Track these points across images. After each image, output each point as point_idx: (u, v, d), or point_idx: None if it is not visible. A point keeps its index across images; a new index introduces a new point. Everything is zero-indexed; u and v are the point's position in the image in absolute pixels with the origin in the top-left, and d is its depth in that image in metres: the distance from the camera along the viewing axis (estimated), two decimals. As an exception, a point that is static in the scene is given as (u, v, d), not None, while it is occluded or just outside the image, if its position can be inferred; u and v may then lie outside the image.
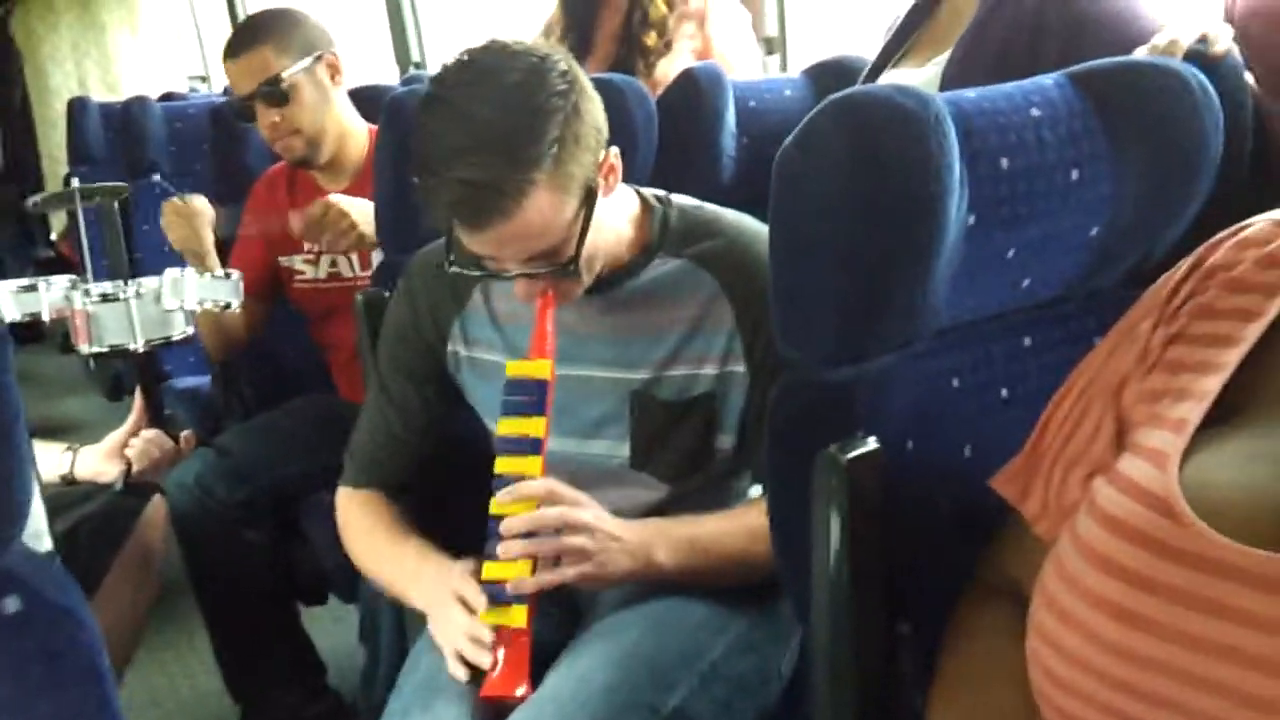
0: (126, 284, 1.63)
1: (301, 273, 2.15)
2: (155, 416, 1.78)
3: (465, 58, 1.15)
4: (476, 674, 1.18)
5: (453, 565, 1.26)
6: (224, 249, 2.12)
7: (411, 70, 3.64)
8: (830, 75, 1.92)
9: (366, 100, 2.12)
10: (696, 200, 1.36)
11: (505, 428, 1.23)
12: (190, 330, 1.68)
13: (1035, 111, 0.93)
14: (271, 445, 2.05)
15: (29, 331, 4.33)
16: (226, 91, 2.64)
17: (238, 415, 2.38)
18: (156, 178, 1.98)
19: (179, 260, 1.94)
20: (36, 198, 2.09)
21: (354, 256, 2.09)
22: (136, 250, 2.63)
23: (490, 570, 1.19)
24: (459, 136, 1.10)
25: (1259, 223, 0.75)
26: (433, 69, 3.40)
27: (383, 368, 1.45)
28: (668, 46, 2.24)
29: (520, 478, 1.20)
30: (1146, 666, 0.64)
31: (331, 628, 2.36)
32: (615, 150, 1.21)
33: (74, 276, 1.65)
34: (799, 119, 0.89)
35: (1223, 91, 1.01)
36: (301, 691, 2.11)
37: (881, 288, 0.88)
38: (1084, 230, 0.97)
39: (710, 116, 1.79)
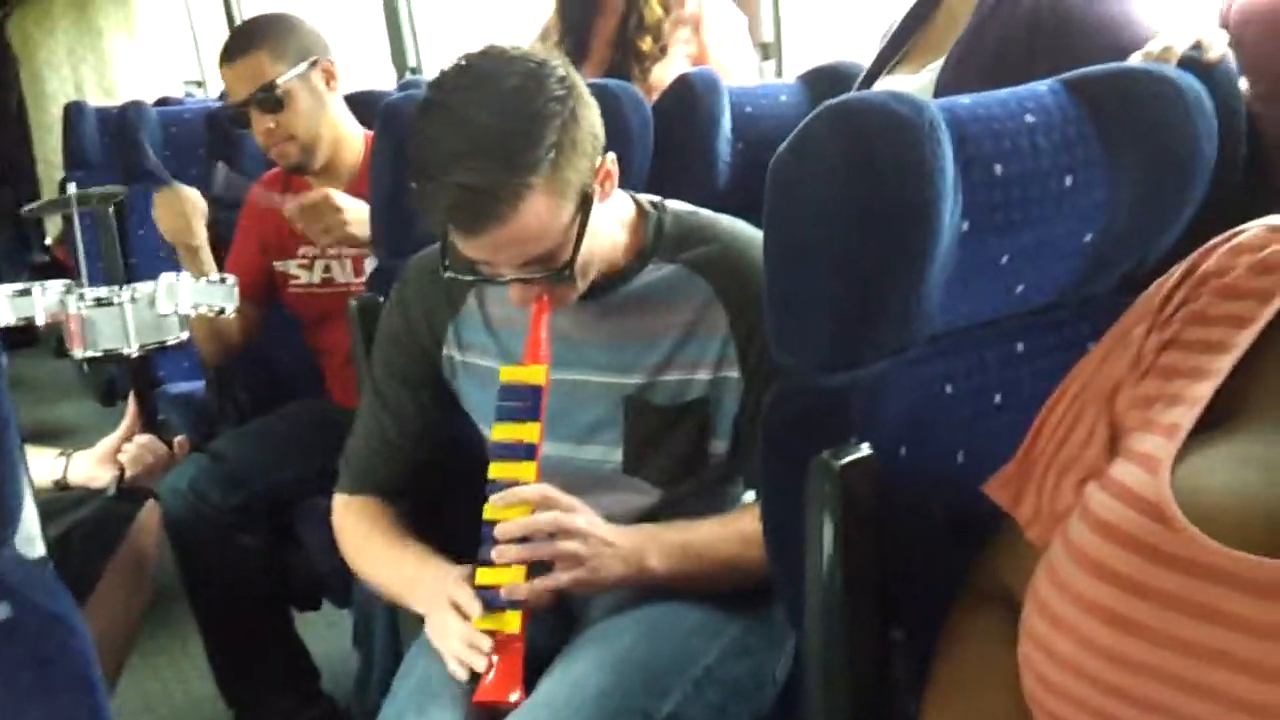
0: (121, 289, 1.62)
1: (296, 277, 2.15)
2: (149, 422, 1.78)
3: (463, 63, 1.15)
4: (474, 676, 1.18)
5: (449, 570, 1.26)
6: (219, 253, 2.12)
7: (408, 75, 3.64)
8: (826, 81, 1.93)
9: (362, 105, 2.12)
10: (691, 206, 1.36)
11: (499, 433, 1.23)
12: (184, 335, 1.68)
13: (1029, 118, 0.93)
14: (265, 450, 2.05)
15: (23, 336, 4.32)
16: (222, 96, 2.64)
17: (232, 420, 2.37)
18: (153, 159, 1.98)
19: (174, 265, 1.94)
20: (32, 205, 2.09)
21: (348, 262, 2.09)
22: (132, 255, 2.62)
23: (484, 575, 1.19)
24: (457, 141, 1.10)
25: (1252, 228, 0.76)
26: (429, 74, 3.41)
27: (377, 373, 1.45)
28: (663, 51, 2.24)
29: (514, 483, 1.20)
30: (1139, 671, 0.64)
31: (325, 633, 2.35)
32: (612, 156, 1.22)
33: (69, 281, 1.65)
34: (795, 124, 0.89)
35: (1217, 98, 1.01)
36: (295, 697, 2.11)
37: (876, 294, 0.88)
38: (1078, 236, 0.97)
39: (706, 122, 1.80)
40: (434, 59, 3.73)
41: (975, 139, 0.90)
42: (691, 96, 1.79)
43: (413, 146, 1.14)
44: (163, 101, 3.78)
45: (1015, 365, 1.00)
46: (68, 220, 3.06)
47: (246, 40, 1.98)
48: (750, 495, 1.40)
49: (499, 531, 1.17)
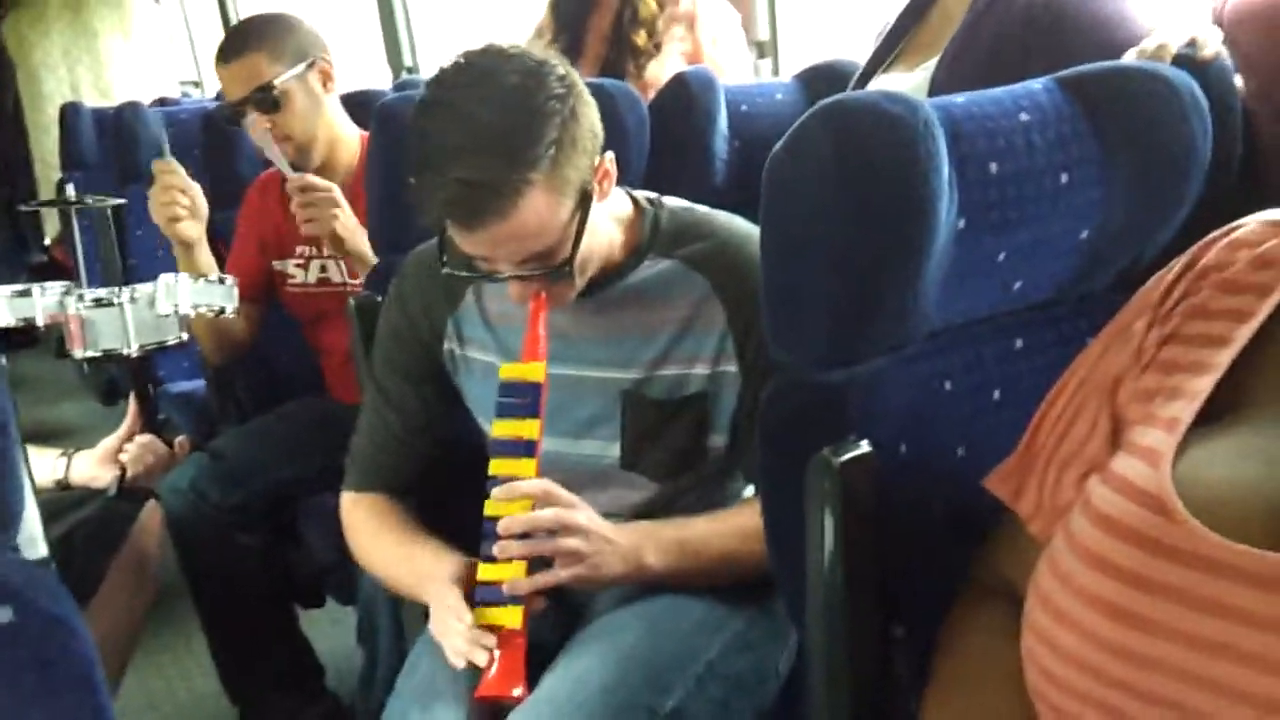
0: (120, 289, 1.63)
1: (293, 277, 2.15)
2: (149, 421, 1.78)
3: (463, 60, 1.16)
4: (474, 670, 1.18)
5: (450, 567, 1.26)
6: (219, 251, 2.12)
7: (404, 75, 3.64)
8: (822, 80, 1.93)
9: (358, 105, 2.12)
10: (687, 202, 1.37)
11: (499, 430, 1.23)
12: (184, 336, 1.68)
13: (1024, 116, 0.93)
14: (266, 449, 2.05)
15: (24, 336, 4.32)
16: (219, 96, 2.64)
17: (232, 419, 2.38)
18: (168, 147, 1.96)
19: (174, 265, 1.94)
20: (30, 204, 2.09)
21: (341, 263, 2.09)
22: (131, 256, 2.63)
23: (486, 571, 1.19)
24: (457, 137, 1.11)
25: (1250, 223, 0.76)
26: (425, 74, 3.40)
27: (378, 370, 1.45)
28: (657, 48, 2.24)
29: (514, 479, 1.20)
30: (1142, 665, 0.64)
31: (329, 630, 2.36)
32: (610, 155, 1.22)
33: (69, 282, 1.65)
34: (791, 123, 0.89)
35: (1211, 95, 1.01)
36: (299, 694, 2.11)
37: (872, 291, 0.89)
38: (1074, 234, 0.97)
39: (702, 120, 1.80)
40: (430, 59, 3.73)
41: (970, 137, 0.90)
42: (687, 95, 1.80)
43: (412, 142, 1.15)
44: (159, 102, 3.78)
45: (1014, 361, 1.01)
46: (66, 221, 3.06)
47: (244, 40, 1.97)
48: (749, 490, 1.41)
49: (501, 527, 1.18)
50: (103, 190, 2.07)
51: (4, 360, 0.73)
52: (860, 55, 1.72)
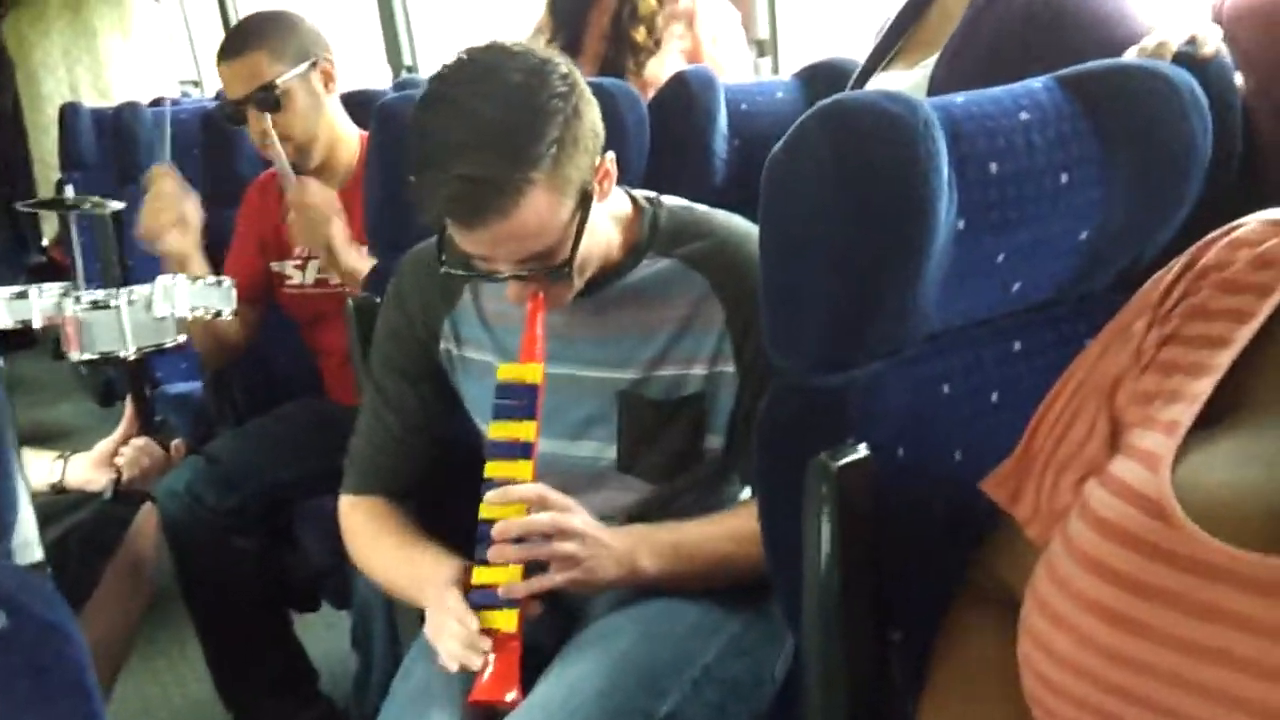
0: (118, 291, 1.62)
1: (290, 278, 2.15)
2: (146, 424, 1.77)
3: (466, 57, 1.15)
4: (468, 674, 1.18)
5: (449, 570, 1.25)
6: (216, 255, 2.12)
7: (403, 74, 3.63)
8: (822, 78, 1.93)
9: (358, 105, 2.12)
10: (686, 201, 1.36)
11: (496, 431, 1.23)
12: (182, 338, 1.68)
13: (1024, 115, 0.92)
14: (263, 451, 2.04)
15: (21, 337, 4.33)
16: (218, 96, 2.63)
17: (229, 421, 2.37)
18: (169, 149, 1.96)
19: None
20: (28, 202, 2.09)
21: None
22: (129, 258, 2.63)
23: (481, 575, 1.19)
24: (460, 133, 1.10)
25: (1250, 222, 0.75)
26: (425, 73, 3.40)
27: (376, 370, 1.44)
28: (657, 45, 2.24)
29: (510, 482, 1.20)
30: (1139, 670, 0.64)
31: (324, 634, 2.36)
32: (611, 155, 1.21)
33: (66, 284, 1.65)
34: (791, 122, 0.89)
35: (1211, 94, 1.01)
36: (294, 699, 2.11)
37: (872, 292, 0.88)
38: (1074, 234, 0.96)
39: (702, 119, 1.80)
40: (429, 58, 3.72)
41: (970, 137, 0.89)
42: (688, 94, 1.79)
43: (413, 139, 1.14)
44: (158, 102, 3.77)
45: (1012, 363, 1.00)
46: (64, 223, 3.06)
47: (246, 38, 1.97)
48: (747, 492, 1.40)
49: (496, 532, 1.17)
50: (101, 191, 2.08)
51: (1, 361, 0.73)
52: (860, 53, 1.71)
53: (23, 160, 5.04)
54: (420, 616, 1.26)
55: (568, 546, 1.18)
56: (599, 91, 1.23)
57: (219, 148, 2.61)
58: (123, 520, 1.70)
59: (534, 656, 1.20)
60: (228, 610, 2.01)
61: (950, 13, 1.50)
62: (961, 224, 0.89)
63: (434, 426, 1.44)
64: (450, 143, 1.10)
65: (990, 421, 0.98)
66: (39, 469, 1.70)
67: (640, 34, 2.23)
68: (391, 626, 1.69)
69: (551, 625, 1.30)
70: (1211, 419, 0.69)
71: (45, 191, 4.70)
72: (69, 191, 2.71)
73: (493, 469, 1.21)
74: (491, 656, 1.16)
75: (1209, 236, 0.77)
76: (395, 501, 1.42)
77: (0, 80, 5.17)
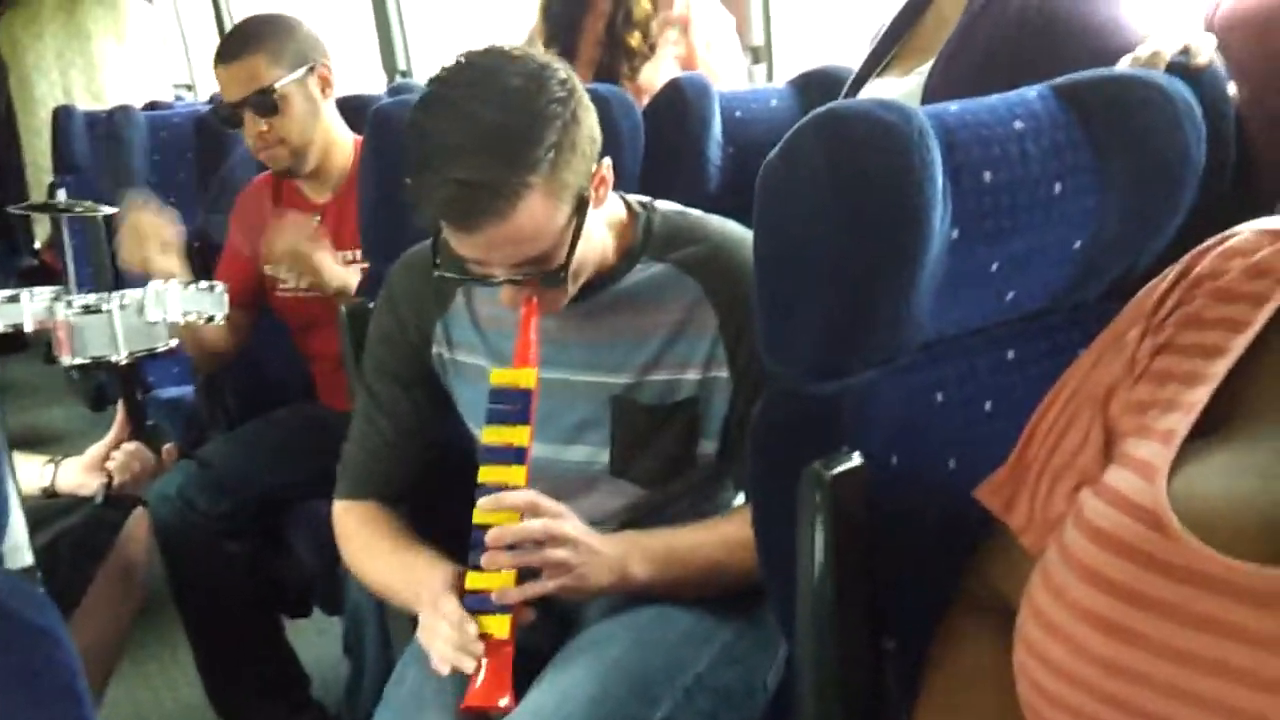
0: (110, 296, 1.62)
1: (283, 282, 2.14)
2: (137, 429, 1.77)
3: (465, 60, 1.15)
4: (464, 681, 1.17)
5: (443, 574, 1.25)
6: (209, 259, 2.11)
7: (398, 79, 3.63)
8: (816, 86, 1.93)
9: (352, 110, 2.11)
10: (680, 206, 1.36)
11: (489, 436, 1.22)
12: (174, 343, 1.67)
13: (1018, 124, 0.93)
14: (255, 456, 2.04)
15: (13, 341, 4.31)
16: (212, 99, 2.63)
17: (221, 425, 2.37)
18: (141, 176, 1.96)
19: (164, 272, 1.93)
20: (19, 206, 2.08)
21: None
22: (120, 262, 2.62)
23: (474, 580, 1.19)
24: (458, 136, 1.10)
25: (1244, 231, 0.75)
26: (419, 78, 3.40)
27: (369, 374, 1.44)
28: (652, 49, 2.24)
29: (504, 487, 1.19)
30: (1134, 680, 0.63)
31: (315, 640, 2.35)
32: (607, 162, 1.21)
33: (58, 288, 1.64)
34: (785, 129, 0.89)
35: (1205, 103, 1.01)
36: (285, 704, 2.10)
37: (866, 301, 0.88)
38: (1068, 243, 0.97)
39: (697, 126, 1.80)
40: (424, 63, 3.72)
41: (964, 146, 0.89)
42: (682, 101, 1.80)
43: (410, 141, 1.13)
44: (152, 105, 3.77)
45: (1006, 372, 1.00)
46: (56, 226, 3.05)
47: (245, 42, 1.96)
48: (740, 498, 1.40)
49: (489, 539, 1.17)
50: (94, 194, 2.07)
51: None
52: (855, 61, 1.72)
53: (15, 163, 5.02)
54: (413, 622, 1.25)
55: (559, 553, 1.17)
56: (593, 97, 1.23)
57: (212, 152, 2.61)
58: (114, 525, 1.69)
59: (527, 662, 1.20)
60: (219, 615, 2.00)
61: (945, 19, 1.50)
62: (955, 233, 0.89)
63: (427, 431, 1.43)
64: (448, 145, 1.10)
65: (984, 430, 0.98)
66: (30, 473, 1.69)
67: (635, 40, 2.23)
68: (384, 632, 1.69)
69: (545, 631, 1.30)
70: (1207, 428, 0.69)
71: (38, 195, 4.68)
72: (61, 195, 2.70)
73: (486, 474, 1.21)
74: (484, 662, 1.16)
75: (1203, 245, 0.77)
76: (389, 506, 1.42)
77: (-6, 82, 5.16)
